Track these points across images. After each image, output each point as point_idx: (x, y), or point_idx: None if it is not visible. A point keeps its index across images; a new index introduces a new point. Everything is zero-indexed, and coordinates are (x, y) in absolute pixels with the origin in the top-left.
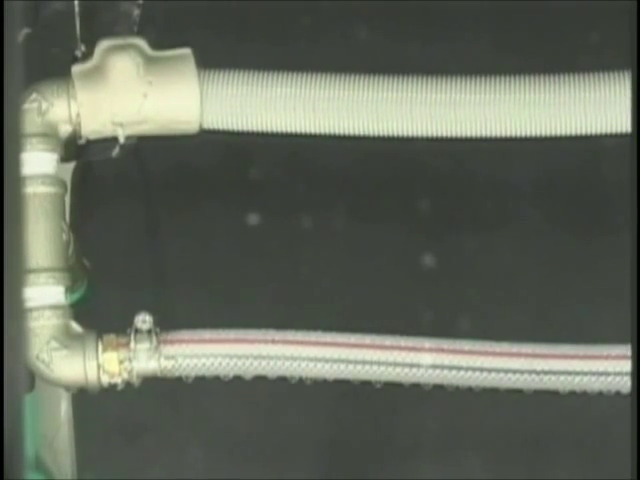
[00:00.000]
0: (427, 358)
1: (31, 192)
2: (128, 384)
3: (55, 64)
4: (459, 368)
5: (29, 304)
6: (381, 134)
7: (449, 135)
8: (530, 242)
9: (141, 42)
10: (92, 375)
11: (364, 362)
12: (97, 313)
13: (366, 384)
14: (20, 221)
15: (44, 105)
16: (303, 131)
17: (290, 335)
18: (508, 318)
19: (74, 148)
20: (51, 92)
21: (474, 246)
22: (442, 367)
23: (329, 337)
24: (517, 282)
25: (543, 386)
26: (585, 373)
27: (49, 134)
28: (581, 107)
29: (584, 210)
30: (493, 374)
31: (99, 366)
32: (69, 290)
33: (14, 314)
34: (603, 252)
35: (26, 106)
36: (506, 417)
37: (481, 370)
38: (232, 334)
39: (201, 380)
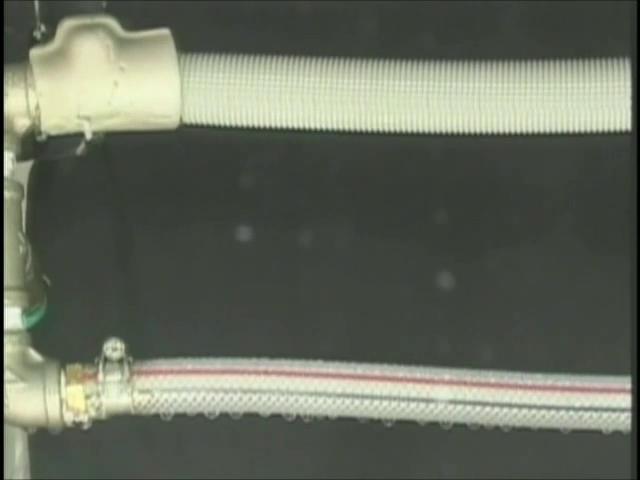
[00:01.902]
0: (446, 392)
1: None
2: (96, 422)
3: (10, 47)
4: (484, 404)
5: None
6: (392, 130)
7: (471, 130)
8: (564, 259)
9: (111, 22)
10: (54, 412)
11: (372, 397)
12: (59, 339)
13: (375, 423)
14: None
15: None
16: (301, 126)
17: (286, 365)
18: (540, 346)
19: (32, 145)
20: (5, 80)
21: (499, 264)
22: (464, 402)
23: (332, 368)
24: (549, 305)
25: (583, 424)
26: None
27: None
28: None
29: (627, 221)
30: (524, 411)
31: (62, 401)
32: (26, 312)
33: None
34: None
35: None
36: (540, 462)
37: (510, 406)
38: (218, 364)
39: (182, 418)
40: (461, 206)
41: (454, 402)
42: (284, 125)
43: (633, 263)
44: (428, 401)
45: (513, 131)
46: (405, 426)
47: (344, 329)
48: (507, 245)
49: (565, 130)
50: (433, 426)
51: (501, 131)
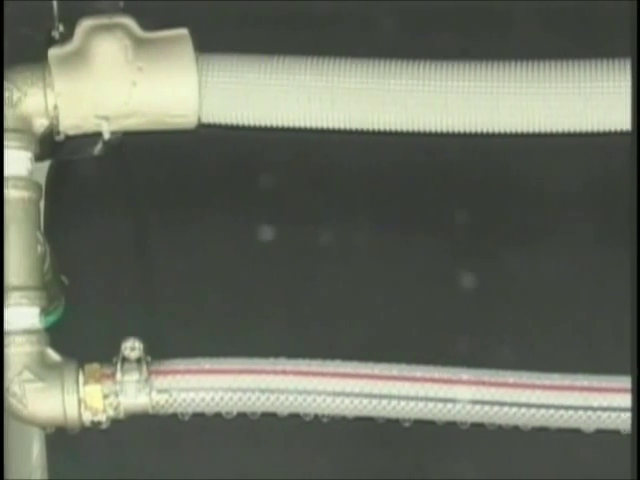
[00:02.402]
0: (465, 392)
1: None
2: (114, 422)
3: (28, 47)
4: (502, 404)
5: None
6: (410, 130)
7: (490, 131)
8: (583, 258)
9: (129, 21)
10: (72, 411)
11: (390, 396)
12: (78, 339)
13: (393, 422)
14: None
15: (16, 95)
16: (319, 126)
17: (304, 365)
18: (558, 346)
19: (51, 145)
20: (24, 80)
21: (518, 263)
22: (482, 402)
23: (349, 367)
24: (568, 305)
25: (602, 425)
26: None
27: (22, 129)
28: None
29: None
30: (542, 411)
31: (80, 401)
32: (45, 312)
33: None
34: None
35: None
36: (559, 462)
37: (528, 406)
38: (236, 364)
39: (200, 418)
40: (480, 205)
41: (473, 402)
42: (302, 125)
43: (633, 263)
44: (447, 401)
45: (532, 131)
46: (422, 426)
47: (362, 328)
48: (525, 244)
49: (582, 130)
50: (450, 426)
51: (519, 131)
